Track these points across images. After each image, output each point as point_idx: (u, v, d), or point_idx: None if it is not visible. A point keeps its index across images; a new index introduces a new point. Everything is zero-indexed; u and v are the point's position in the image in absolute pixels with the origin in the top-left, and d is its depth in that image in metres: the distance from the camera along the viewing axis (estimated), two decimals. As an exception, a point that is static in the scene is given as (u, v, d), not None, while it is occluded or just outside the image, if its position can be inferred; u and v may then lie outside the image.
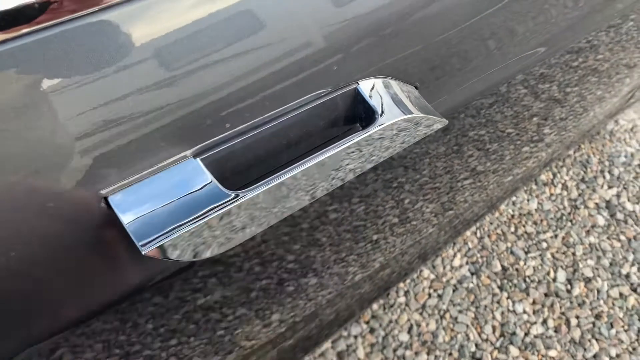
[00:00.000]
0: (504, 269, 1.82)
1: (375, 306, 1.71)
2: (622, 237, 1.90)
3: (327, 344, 1.61)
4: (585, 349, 1.65)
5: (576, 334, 1.68)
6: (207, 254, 0.48)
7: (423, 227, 0.99)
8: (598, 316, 1.72)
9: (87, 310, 0.50)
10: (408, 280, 1.78)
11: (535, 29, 0.73)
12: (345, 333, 1.64)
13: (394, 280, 1.20)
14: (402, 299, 1.74)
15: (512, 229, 1.92)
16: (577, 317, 1.72)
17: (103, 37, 0.40)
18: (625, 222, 1.95)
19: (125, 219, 0.43)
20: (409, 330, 1.68)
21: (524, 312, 1.73)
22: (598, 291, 1.77)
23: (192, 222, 0.45)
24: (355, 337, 1.65)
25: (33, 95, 0.38)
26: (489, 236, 1.89)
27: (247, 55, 0.47)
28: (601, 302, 1.75)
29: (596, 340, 1.67)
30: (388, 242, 0.92)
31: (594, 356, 1.64)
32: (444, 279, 1.79)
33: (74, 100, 0.40)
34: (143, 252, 0.43)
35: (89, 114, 0.41)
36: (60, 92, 0.39)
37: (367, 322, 1.68)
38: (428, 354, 1.63)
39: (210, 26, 0.44)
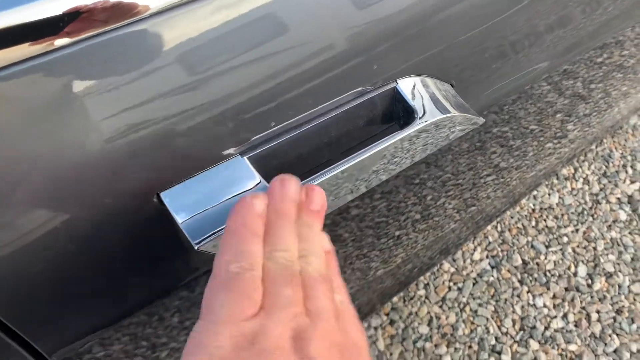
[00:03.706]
0: (524, 263, 1.82)
1: (395, 299, 1.72)
2: (645, 232, 1.89)
3: (347, 336, 1.62)
4: (605, 344, 1.65)
5: (597, 328, 1.68)
6: None
7: (445, 223, 0.99)
8: (619, 311, 1.71)
9: (135, 303, 0.51)
10: (428, 274, 1.78)
11: (564, 34, 0.73)
12: (365, 325, 1.65)
13: (415, 275, 1.20)
14: (422, 292, 1.74)
15: (533, 223, 1.91)
16: (598, 311, 1.71)
17: (146, 41, 0.41)
18: (648, 216, 1.93)
19: (178, 215, 0.44)
20: (429, 323, 1.68)
21: (544, 306, 1.72)
22: (619, 286, 1.77)
23: None
24: (375, 328, 1.66)
25: (88, 99, 0.40)
26: (509, 230, 1.89)
27: (291, 54, 0.47)
28: (622, 297, 1.74)
29: (617, 335, 1.66)
30: (410, 238, 0.92)
31: (615, 351, 1.63)
32: (464, 272, 1.79)
33: (128, 100, 0.41)
34: (196, 248, 0.44)
35: (139, 113, 0.42)
36: (115, 94, 0.41)
37: (387, 314, 1.69)
38: (448, 346, 1.64)
39: (248, 25, 0.45)
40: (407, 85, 0.56)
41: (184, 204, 0.45)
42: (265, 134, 0.49)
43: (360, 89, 0.54)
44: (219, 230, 0.45)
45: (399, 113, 0.57)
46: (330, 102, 0.52)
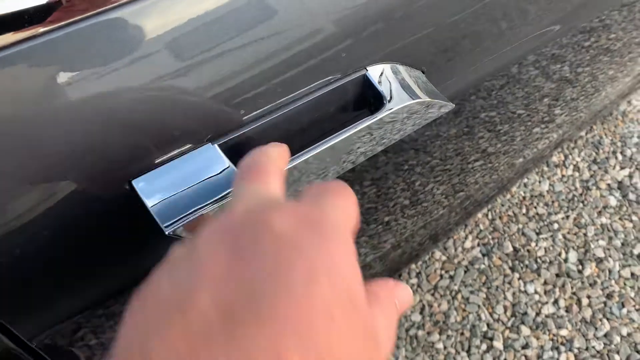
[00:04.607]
0: (515, 250, 1.83)
1: (387, 287, 1.72)
2: (634, 218, 1.90)
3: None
4: (596, 328, 1.66)
5: (587, 313, 1.69)
6: None
7: (434, 208, 0.99)
8: (609, 296, 1.72)
9: (109, 291, 0.51)
10: (420, 262, 1.78)
11: (549, 7, 0.73)
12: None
13: (405, 261, 1.20)
14: (414, 280, 1.75)
15: (524, 211, 1.92)
16: (589, 297, 1.72)
17: (125, 31, 0.41)
18: (638, 202, 1.94)
19: (149, 202, 0.45)
20: (421, 311, 1.69)
21: (535, 292, 1.73)
22: (609, 271, 1.78)
23: (212, 204, 0.46)
24: (367, 317, 1.66)
25: (63, 86, 0.40)
26: (500, 218, 1.90)
27: (259, 43, 0.48)
28: (612, 282, 1.75)
29: (607, 319, 1.67)
30: (399, 224, 0.92)
31: (605, 335, 1.65)
32: (456, 261, 1.80)
33: (103, 89, 0.41)
34: (166, 233, 0.45)
35: (113, 102, 0.42)
36: (90, 82, 0.41)
37: (379, 303, 1.69)
38: (440, 333, 1.65)
39: (220, 17, 0.45)
40: (376, 73, 0.57)
41: (154, 189, 0.45)
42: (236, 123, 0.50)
43: (330, 77, 0.54)
44: (189, 214, 0.45)
45: (369, 100, 0.58)
46: (301, 90, 0.53)
